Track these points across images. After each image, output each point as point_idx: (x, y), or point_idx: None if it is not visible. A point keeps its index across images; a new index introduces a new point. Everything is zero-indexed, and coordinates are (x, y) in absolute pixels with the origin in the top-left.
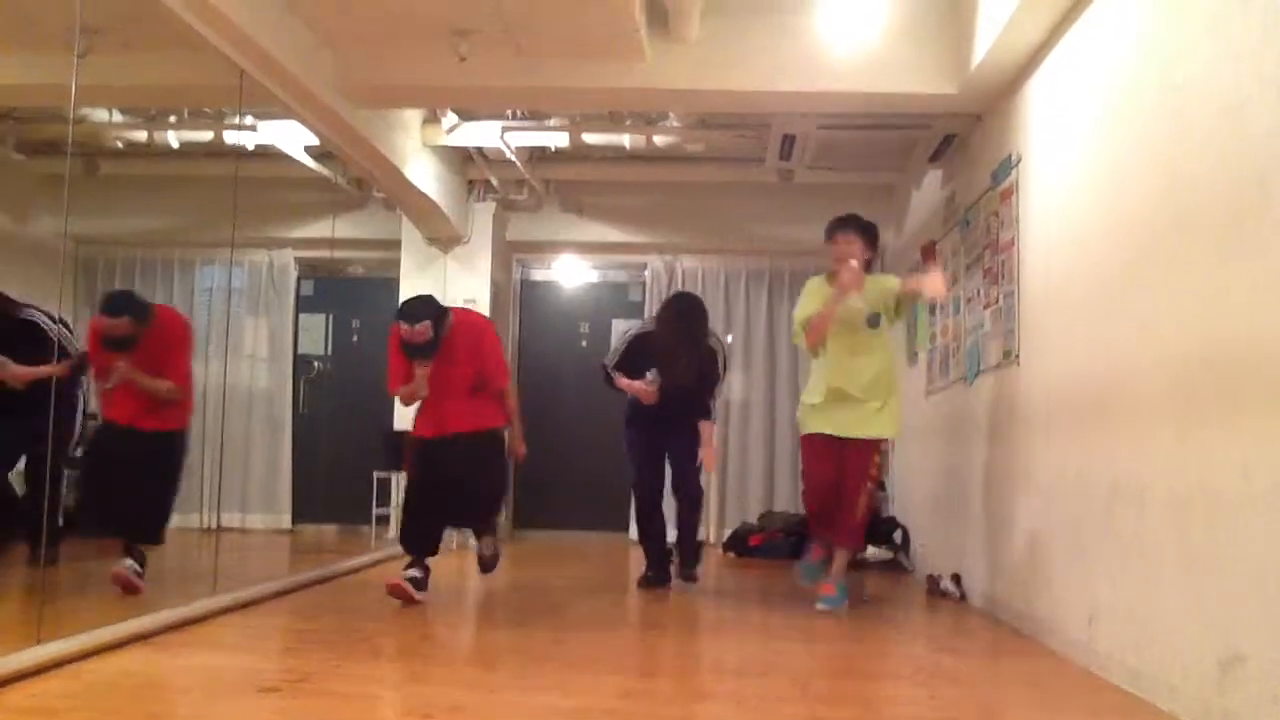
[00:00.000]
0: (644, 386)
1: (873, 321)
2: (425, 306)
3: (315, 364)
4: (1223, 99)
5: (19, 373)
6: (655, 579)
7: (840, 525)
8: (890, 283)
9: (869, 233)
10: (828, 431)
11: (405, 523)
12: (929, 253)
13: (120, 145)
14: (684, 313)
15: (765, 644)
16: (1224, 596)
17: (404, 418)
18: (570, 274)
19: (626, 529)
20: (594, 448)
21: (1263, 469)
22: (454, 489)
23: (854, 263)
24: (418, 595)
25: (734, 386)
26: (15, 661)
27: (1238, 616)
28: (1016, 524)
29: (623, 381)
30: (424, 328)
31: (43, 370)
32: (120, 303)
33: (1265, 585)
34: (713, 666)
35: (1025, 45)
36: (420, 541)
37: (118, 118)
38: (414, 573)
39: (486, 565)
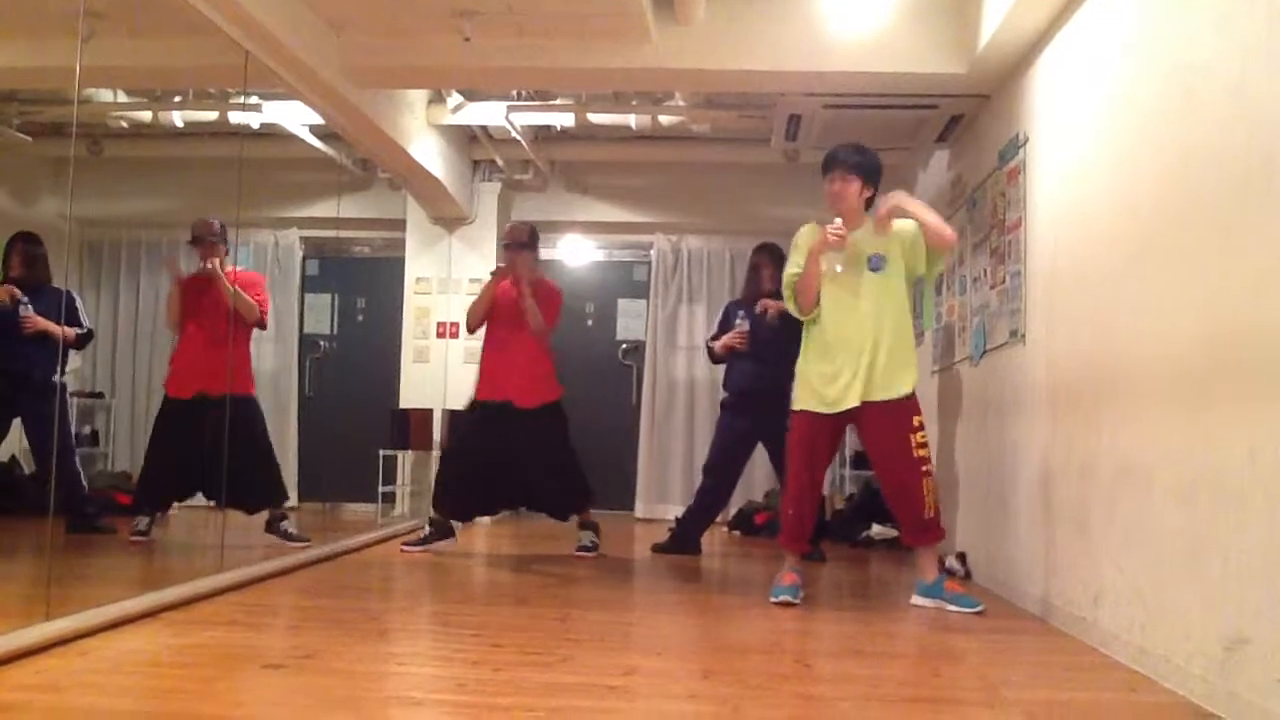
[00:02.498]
0: (734, 333)
1: (875, 263)
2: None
3: (321, 344)
4: (1231, 81)
5: (39, 321)
6: (672, 547)
7: (906, 522)
8: (907, 227)
9: (866, 167)
10: (823, 410)
11: (448, 489)
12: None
13: (125, 126)
14: (761, 246)
15: (769, 623)
16: (1229, 579)
17: (409, 397)
18: (575, 254)
19: (633, 508)
20: (601, 428)
21: (1269, 452)
22: (519, 471)
23: (839, 222)
24: (444, 544)
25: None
26: (23, 638)
27: (1243, 600)
28: (1022, 503)
29: (719, 342)
30: (524, 229)
31: (56, 329)
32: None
33: (1270, 569)
34: (717, 645)
35: (1034, 24)
36: (461, 511)
37: (122, 99)
38: (428, 529)
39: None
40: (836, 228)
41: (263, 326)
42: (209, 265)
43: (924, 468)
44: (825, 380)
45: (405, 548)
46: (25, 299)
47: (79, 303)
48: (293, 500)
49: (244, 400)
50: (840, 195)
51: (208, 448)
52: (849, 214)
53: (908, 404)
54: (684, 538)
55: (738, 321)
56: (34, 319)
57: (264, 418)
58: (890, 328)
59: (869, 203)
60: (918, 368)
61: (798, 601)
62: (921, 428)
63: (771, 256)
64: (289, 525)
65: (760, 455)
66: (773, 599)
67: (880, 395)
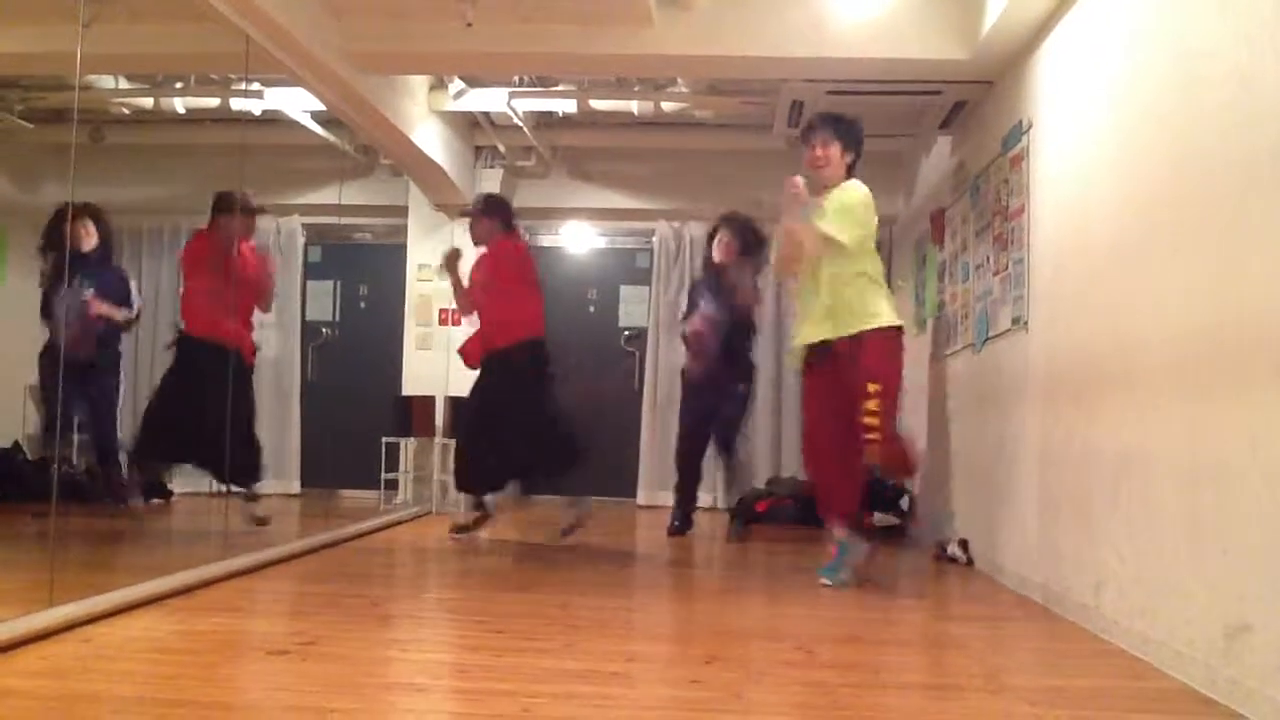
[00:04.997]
0: (690, 325)
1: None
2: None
3: (323, 330)
4: (1237, 67)
5: (104, 309)
6: (679, 528)
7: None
8: (843, 188)
9: (850, 134)
10: (812, 360)
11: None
12: (937, 220)
13: (126, 113)
14: (717, 220)
15: (771, 609)
16: (1231, 566)
17: (411, 384)
18: (577, 240)
19: (634, 495)
20: (602, 414)
21: (1271, 440)
22: (503, 429)
23: (799, 179)
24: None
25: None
26: (27, 624)
27: (1244, 586)
28: (1024, 491)
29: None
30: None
31: (118, 312)
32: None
33: (1272, 556)
34: (719, 631)
35: (1037, 11)
36: (477, 482)
37: (124, 85)
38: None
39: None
40: (793, 180)
41: (266, 310)
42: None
43: (865, 435)
44: (808, 346)
45: (455, 536)
46: (90, 285)
47: (132, 282)
48: (296, 487)
49: (247, 370)
50: (825, 159)
51: (208, 403)
52: (831, 177)
53: (867, 350)
54: (684, 513)
55: (693, 317)
56: (99, 305)
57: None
58: (845, 277)
59: (850, 170)
60: (882, 316)
61: (833, 583)
62: (877, 394)
63: (723, 228)
64: (256, 508)
65: (766, 438)
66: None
67: (859, 327)
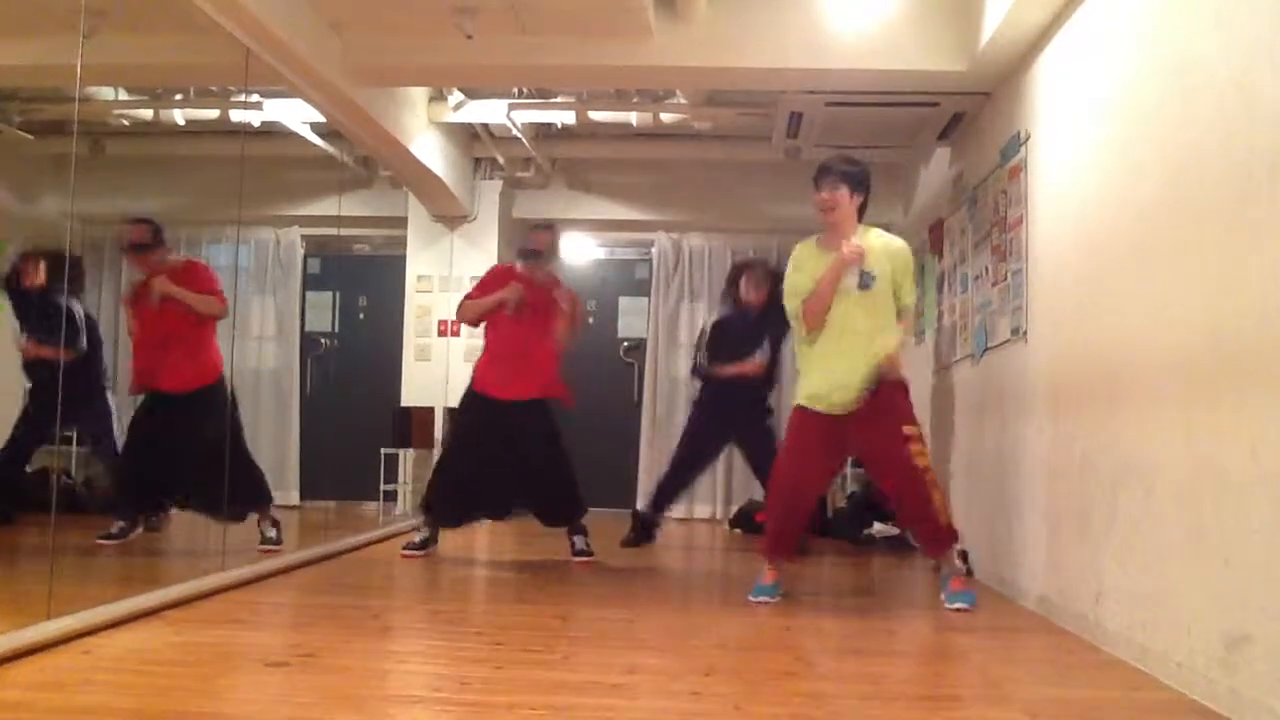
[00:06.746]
0: (753, 365)
1: (865, 282)
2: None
3: (322, 342)
4: (1233, 78)
5: (36, 351)
6: (638, 540)
7: (920, 528)
8: (899, 248)
9: (855, 176)
10: (821, 409)
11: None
12: (936, 231)
13: (126, 125)
14: (742, 264)
15: (771, 621)
16: (1231, 577)
17: (410, 396)
18: (577, 251)
19: (634, 506)
20: (600, 428)
21: (1270, 450)
22: (519, 471)
23: (856, 240)
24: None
25: None
26: (25, 636)
27: (1245, 597)
28: (1024, 501)
29: (727, 370)
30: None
31: (51, 353)
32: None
33: (1272, 566)
34: (719, 642)
35: (1035, 22)
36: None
37: (123, 97)
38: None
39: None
40: (854, 246)
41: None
42: (157, 286)
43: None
44: (825, 389)
45: (405, 552)
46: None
47: (78, 317)
48: (295, 498)
49: (204, 392)
50: (832, 202)
51: (169, 448)
52: (842, 221)
53: (894, 399)
54: (647, 527)
55: (757, 356)
56: (29, 348)
57: (229, 409)
58: (881, 327)
59: (861, 210)
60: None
61: (775, 600)
62: (917, 436)
63: (752, 270)
64: (267, 527)
65: None
66: (752, 598)
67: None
